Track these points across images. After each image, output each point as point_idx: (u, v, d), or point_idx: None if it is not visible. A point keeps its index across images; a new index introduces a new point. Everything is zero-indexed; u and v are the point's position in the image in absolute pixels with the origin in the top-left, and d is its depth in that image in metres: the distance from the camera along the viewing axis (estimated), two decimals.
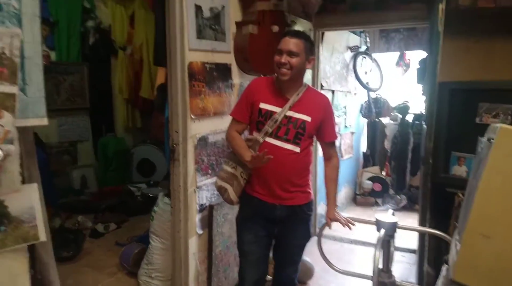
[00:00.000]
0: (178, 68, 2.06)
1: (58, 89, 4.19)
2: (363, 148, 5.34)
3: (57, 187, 4.00)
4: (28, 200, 1.30)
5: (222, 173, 1.94)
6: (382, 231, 1.87)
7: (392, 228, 1.90)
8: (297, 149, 1.82)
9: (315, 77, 3.55)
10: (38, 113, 1.31)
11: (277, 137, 1.82)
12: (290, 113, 1.81)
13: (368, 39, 4.67)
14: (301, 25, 3.12)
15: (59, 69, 4.14)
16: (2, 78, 1.17)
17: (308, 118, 1.81)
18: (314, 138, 1.96)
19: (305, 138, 1.82)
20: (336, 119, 4.24)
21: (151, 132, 4.71)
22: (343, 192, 4.77)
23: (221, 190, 1.93)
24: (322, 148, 1.97)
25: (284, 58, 1.75)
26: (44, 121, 1.34)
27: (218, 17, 2.25)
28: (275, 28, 2.44)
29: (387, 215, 1.97)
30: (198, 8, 2.08)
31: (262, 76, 2.24)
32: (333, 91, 4.13)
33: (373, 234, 1.95)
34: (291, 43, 1.75)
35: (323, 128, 1.89)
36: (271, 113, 1.82)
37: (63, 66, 4.16)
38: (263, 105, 1.85)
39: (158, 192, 3.15)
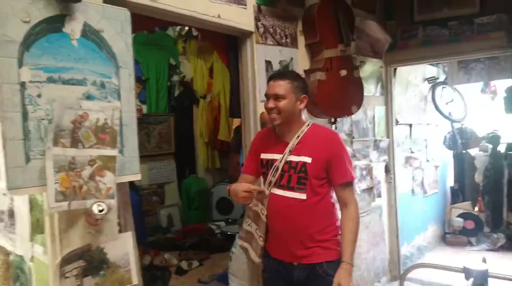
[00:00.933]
0: (251, 118, 2.22)
1: (149, 138, 4.68)
2: (450, 182, 4.96)
3: (147, 225, 4.38)
4: (124, 247, 1.50)
5: (241, 232, 1.87)
6: (471, 280, 1.73)
7: (482, 277, 1.75)
8: (303, 196, 1.64)
9: (388, 112, 3.49)
10: (133, 170, 1.53)
11: (280, 187, 1.69)
12: (291, 158, 1.67)
13: (446, 69, 4.47)
14: (370, 64, 3.14)
15: (149, 120, 4.66)
16: (105, 143, 1.41)
17: (308, 159, 1.64)
18: None
19: (310, 182, 1.63)
20: (417, 153, 4.08)
21: (228, 171, 4.97)
22: (430, 231, 4.46)
23: (243, 250, 1.86)
24: (335, 193, 1.71)
25: (271, 103, 1.65)
26: (138, 177, 1.55)
27: (287, 68, 2.39)
28: (343, 73, 2.50)
29: (477, 262, 1.82)
30: (268, 63, 2.25)
31: (327, 119, 2.31)
32: (410, 125, 3.99)
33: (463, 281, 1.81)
34: (276, 87, 1.65)
35: (330, 168, 1.66)
36: (272, 161, 1.72)
37: (153, 117, 4.67)
38: (263, 155, 1.78)
39: (236, 230, 3.28)
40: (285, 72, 1.81)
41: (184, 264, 3.73)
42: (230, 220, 4.64)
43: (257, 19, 2.20)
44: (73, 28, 1.33)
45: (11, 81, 1.21)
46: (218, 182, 5.13)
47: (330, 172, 1.67)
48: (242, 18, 2.14)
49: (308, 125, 1.72)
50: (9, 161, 1.21)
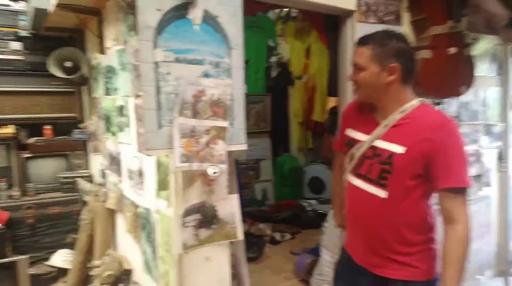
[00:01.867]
0: (347, 99, 2.26)
1: (248, 116, 4.95)
2: None
3: (244, 197, 4.73)
4: (231, 207, 1.72)
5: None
6: None
7: None
8: (382, 194, 1.32)
9: (504, 95, 3.17)
10: (240, 141, 1.72)
11: (358, 176, 1.42)
12: (378, 143, 1.36)
13: None
14: (485, 42, 2.88)
15: (249, 99, 4.92)
16: (219, 115, 1.62)
17: (398, 149, 1.29)
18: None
19: (396, 178, 1.29)
20: None
21: (321, 152, 5.04)
22: None
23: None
24: (439, 200, 1.30)
25: (352, 75, 1.40)
26: (244, 146, 1.74)
27: None
28: (452, 51, 2.36)
29: None
30: None
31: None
32: None
33: None
34: (356, 54, 1.37)
35: (432, 166, 1.26)
36: (354, 142, 1.45)
37: (252, 97, 4.93)
38: (349, 132, 1.51)
39: (327, 209, 3.37)
40: (372, 35, 1.35)
41: (277, 235, 3.97)
42: (322, 199, 4.75)
43: None
44: (195, 14, 1.54)
45: (148, 61, 1.46)
46: (311, 161, 5.24)
47: (431, 171, 1.26)
48: None
49: (413, 104, 1.35)
50: (146, 126, 1.48)
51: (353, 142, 1.47)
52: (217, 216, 1.69)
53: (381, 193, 1.33)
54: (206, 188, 1.65)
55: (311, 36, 4.52)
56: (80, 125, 3.34)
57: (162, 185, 1.80)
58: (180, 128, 1.53)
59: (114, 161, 2.66)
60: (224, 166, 1.62)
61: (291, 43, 4.90)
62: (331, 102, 4.66)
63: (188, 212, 1.60)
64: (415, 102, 1.37)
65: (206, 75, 1.60)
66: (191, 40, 1.54)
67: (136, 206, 2.24)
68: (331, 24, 2.47)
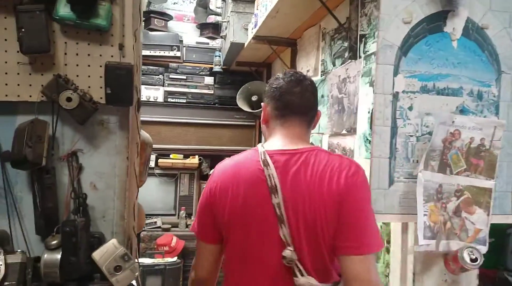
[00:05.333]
0: None
1: None
2: None
3: None
4: None
5: None
6: None
7: None
8: None
9: None
10: (504, 209, 1.14)
11: None
12: None
13: None
14: None
15: None
16: (478, 171, 1.09)
17: None
18: None
19: None
20: None
21: None
22: None
23: None
24: None
25: None
26: (510, 219, 1.15)
27: None
28: None
29: None
30: None
31: None
32: None
33: None
34: None
35: None
36: None
37: None
38: None
39: None
40: None
41: None
42: None
43: None
44: (455, 26, 1.09)
45: (385, 91, 1.07)
46: None
47: None
48: None
49: None
50: (373, 180, 1.07)
51: None
52: None
53: None
54: (449, 277, 1.11)
55: None
56: None
57: None
58: (424, 187, 1.07)
59: None
60: (483, 249, 1.07)
61: None
62: None
63: None
64: None
65: (462, 110, 1.10)
66: (445, 61, 1.09)
67: None
68: None
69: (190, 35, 3.45)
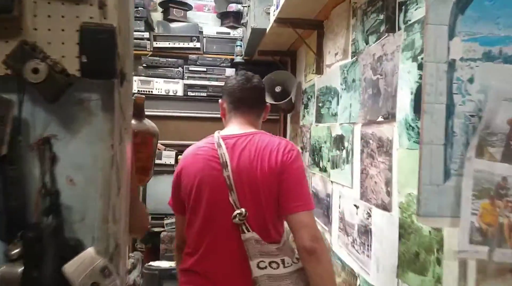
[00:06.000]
0: None
1: None
2: None
3: None
4: None
5: None
6: None
7: None
8: None
9: None
10: None
11: None
12: None
13: None
14: None
15: None
16: None
17: None
18: None
19: None
20: None
21: None
22: None
23: None
24: None
25: None
26: None
27: None
28: None
29: None
30: None
31: None
32: None
33: None
34: None
35: None
36: None
37: None
38: None
39: None
40: None
41: None
42: None
43: None
44: None
45: (438, 59, 0.84)
46: None
47: None
48: None
49: None
50: (424, 175, 0.84)
51: None
52: None
53: None
54: None
55: None
56: None
57: (411, 263, 1.11)
58: (475, 179, 0.83)
59: (321, 204, 2.16)
60: None
61: None
62: None
63: None
64: None
65: None
66: None
67: (353, 275, 1.62)
68: None
69: (211, 25, 3.29)
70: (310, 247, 1.03)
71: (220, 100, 1.32)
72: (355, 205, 1.65)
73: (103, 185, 0.74)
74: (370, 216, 1.49)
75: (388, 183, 1.34)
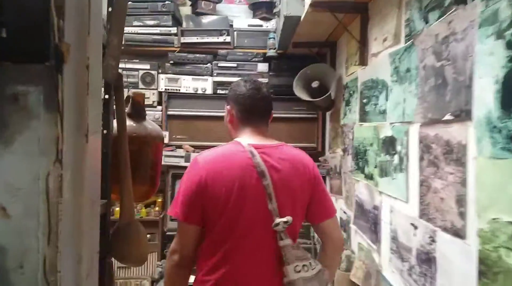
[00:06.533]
0: None
1: None
2: None
3: None
4: None
5: None
6: None
7: None
8: None
9: None
10: None
11: None
12: None
13: None
14: None
15: None
16: None
17: None
18: None
19: None
20: None
21: None
22: None
23: None
24: None
25: None
26: None
27: None
28: None
29: None
30: None
31: None
32: None
33: None
34: None
35: None
36: None
37: None
38: None
39: None
40: None
41: None
42: None
43: None
44: None
45: None
46: None
47: None
48: None
49: None
50: None
51: None
52: None
53: None
54: None
55: None
56: (320, 158, 2.72)
57: None
58: None
59: (366, 216, 1.84)
60: None
61: None
62: None
63: None
64: None
65: None
66: None
67: None
68: None
69: (242, 18, 3.04)
70: (342, 242, 1.26)
71: (228, 106, 1.29)
72: (412, 224, 1.33)
73: (48, 218, 0.50)
74: (433, 240, 1.17)
75: (460, 201, 1.02)
